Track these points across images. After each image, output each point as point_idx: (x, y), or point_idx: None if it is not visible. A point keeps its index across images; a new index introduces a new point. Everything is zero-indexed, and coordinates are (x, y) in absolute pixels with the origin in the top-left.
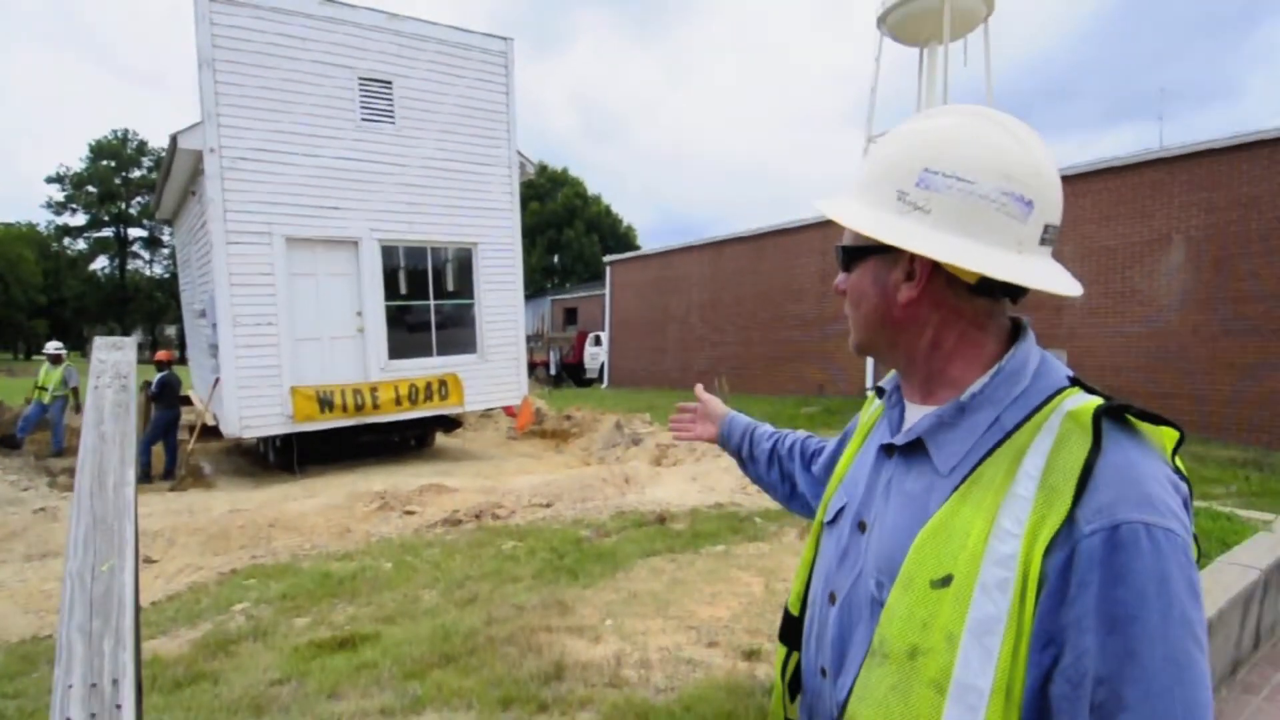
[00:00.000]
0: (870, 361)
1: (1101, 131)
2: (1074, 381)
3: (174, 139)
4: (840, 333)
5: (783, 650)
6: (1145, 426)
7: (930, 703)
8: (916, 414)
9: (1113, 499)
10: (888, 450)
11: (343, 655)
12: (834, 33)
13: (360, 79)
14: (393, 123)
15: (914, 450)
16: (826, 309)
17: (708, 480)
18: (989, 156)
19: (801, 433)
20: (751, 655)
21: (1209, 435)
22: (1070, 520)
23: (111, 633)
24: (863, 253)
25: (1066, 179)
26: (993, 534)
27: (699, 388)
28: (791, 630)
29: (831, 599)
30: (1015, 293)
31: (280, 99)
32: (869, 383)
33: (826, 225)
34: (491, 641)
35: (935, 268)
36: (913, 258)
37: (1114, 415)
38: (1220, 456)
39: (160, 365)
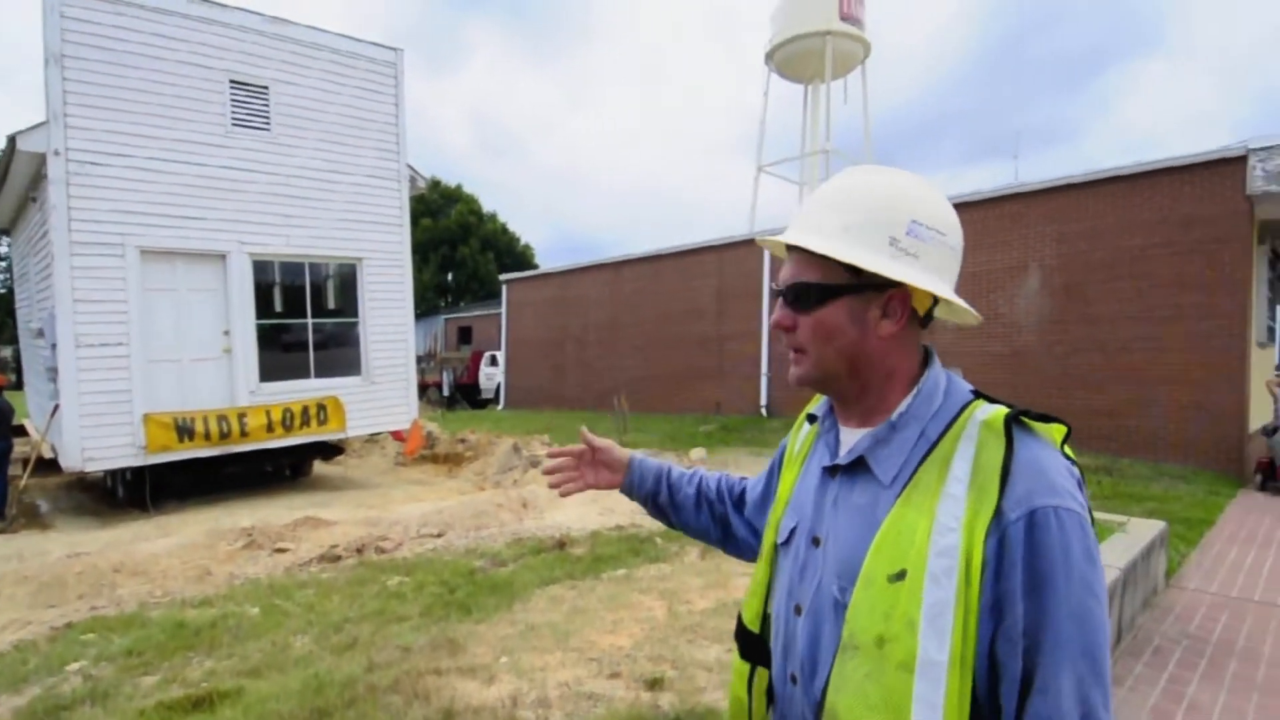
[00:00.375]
0: (764, 380)
1: (966, 168)
2: (976, 394)
3: (12, 140)
4: (737, 353)
5: (745, 667)
6: (1040, 426)
7: (902, 682)
8: (852, 437)
9: (1028, 490)
10: (831, 471)
11: (197, 717)
12: (725, 64)
13: (232, 82)
14: (268, 129)
15: (856, 468)
16: (724, 329)
17: (608, 501)
18: (947, 213)
19: (713, 472)
20: (655, 684)
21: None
22: (998, 511)
23: None
24: (838, 291)
25: None
26: (934, 530)
27: (584, 430)
28: (752, 648)
29: (797, 610)
30: (928, 322)
31: (139, 100)
32: (763, 400)
33: (722, 248)
34: (373, 690)
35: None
36: (891, 297)
37: (1018, 420)
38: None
39: None
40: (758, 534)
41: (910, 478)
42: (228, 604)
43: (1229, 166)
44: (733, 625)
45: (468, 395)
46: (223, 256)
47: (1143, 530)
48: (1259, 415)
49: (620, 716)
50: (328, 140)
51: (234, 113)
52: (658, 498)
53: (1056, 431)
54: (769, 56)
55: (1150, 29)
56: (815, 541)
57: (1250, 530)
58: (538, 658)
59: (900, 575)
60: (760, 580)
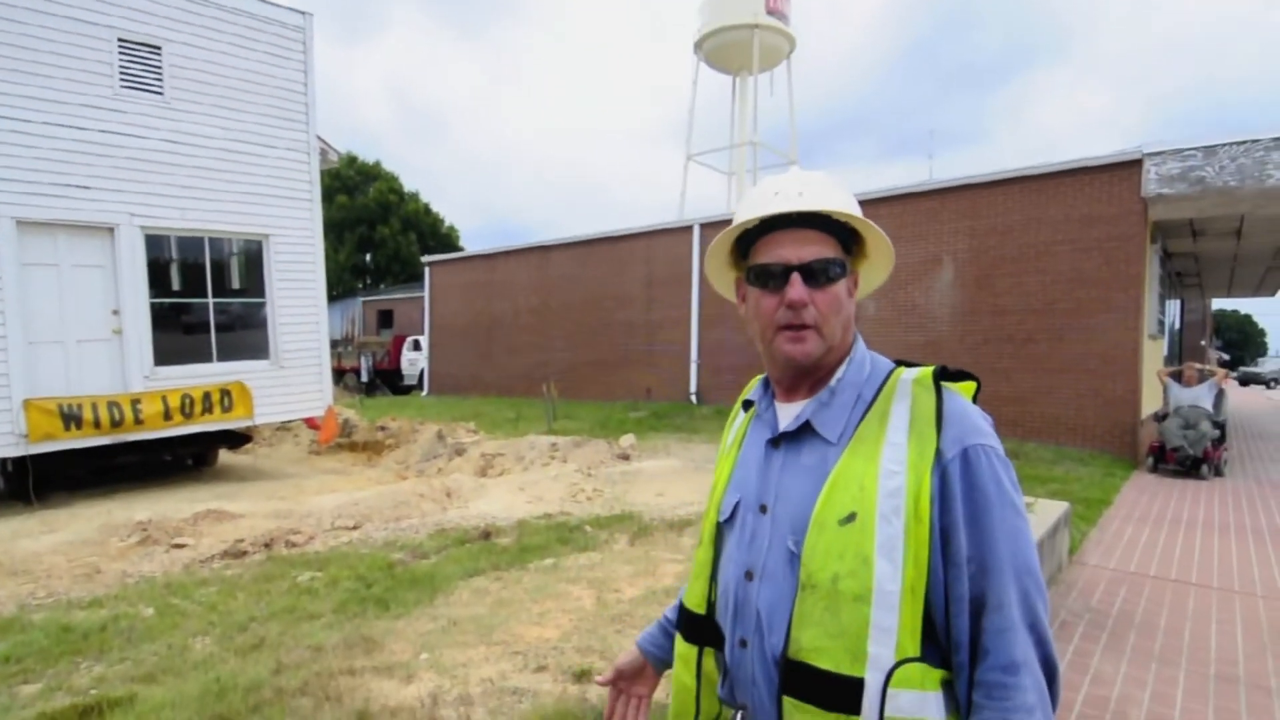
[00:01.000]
0: (694, 367)
1: (882, 165)
2: (898, 362)
3: None
4: (667, 339)
5: (692, 651)
6: (955, 385)
7: (858, 612)
8: (790, 410)
9: (959, 432)
10: (774, 443)
11: None
12: (652, 51)
13: (121, 40)
14: (161, 93)
15: (802, 434)
16: (653, 315)
17: (536, 489)
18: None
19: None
20: (582, 676)
21: None
22: (938, 451)
23: None
24: (845, 267)
25: (862, 203)
26: (880, 475)
27: (598, 679)
28: (698, 630)
29: (749, 576)
30: None
31: (15, 56)
32: (693, 386)
33: (652, 235)
34: (280, 694)
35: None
36: (853, 274)
37: (943, 376)
38: None
39: None
40: None
41: (853, 434)
42: (119, 604)
43: (1126, 170)
44: (662, 612)
45: (389, 381)
46: (111, 229)
47: (1049, 511)
48: (1150, 402)
49: (547, 711)
50: (229, 107)
51: (122, 73)
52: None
53: (969, 387)
54: (698, 46)
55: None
56: (762, 509)
57: (1144, 509)
58: (460, 653)
59: (851, 518)
60: (704, 562)
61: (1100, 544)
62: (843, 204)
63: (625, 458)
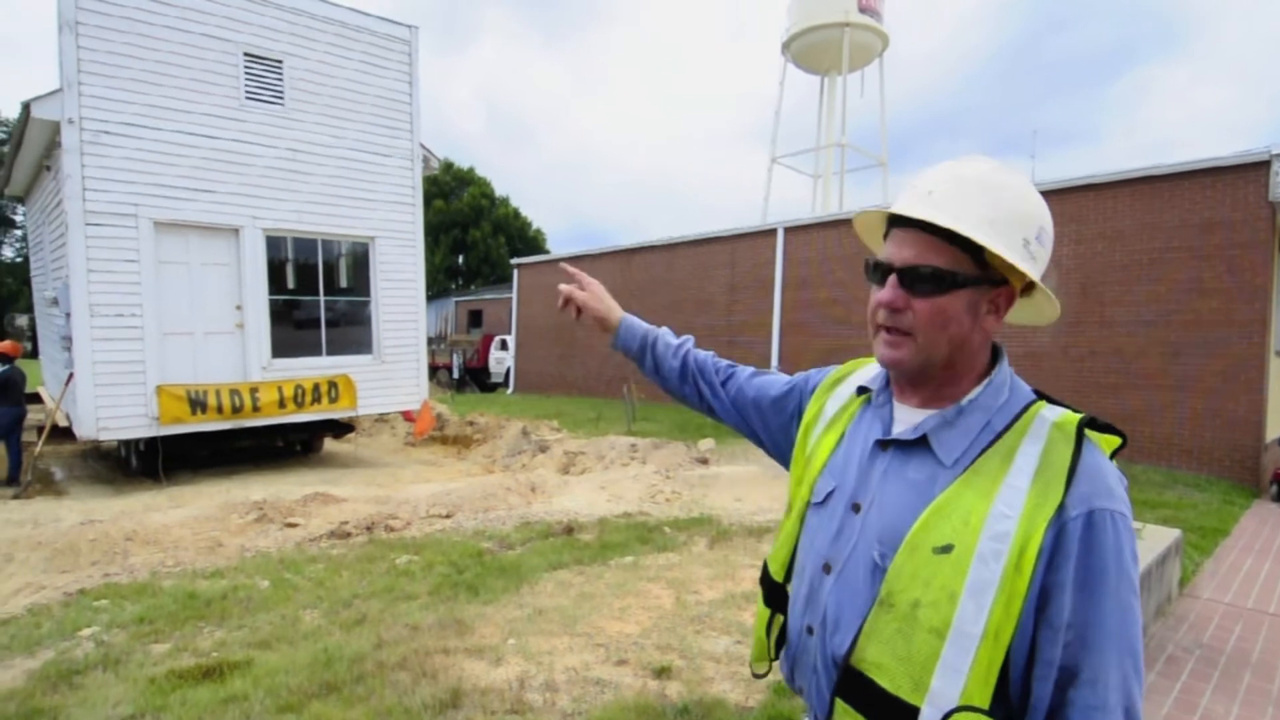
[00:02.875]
0: (775, 370)
1: None
2: (1039, 395)
3: (26, 107)
4: (748, 344)
5: (766, 612)
6: (1099, 435)
7: (930, 645)
8: (909, 414)
9: (1089, 491)
10: (883, 444)
11: (208, 686)
12: (742, 51)
13: (246, 55)
14: (282, 104)
15: (915, 445)
16: (734, 318)
17: (616, 489)
18: (1051, 228)
19: (703, 351)
20: (662, 673)
21: None
22: (1061, 506)
23: None
24: (964, 281)
25: None
26: (990, 514)
27: (565, 267)
28: (775, 596)
29: (826, 569)
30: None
31: (154, 70)
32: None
33: (736, 239)
34: (381, 667)
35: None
36: (1001, 293)
37: (1090, 425)
38: None
39: (2, 358)
40: (742, 415)
41: (972, 462)
42: (238, 576)
43: (1252, 171)
44: (741, 618)
45: (477, 378)
46: (236, 231)
47: (1158, 537)
48: (1276, 425)
49: (627, 704)
50: (341, 116)
51: (248, 86)
52: (643, 359)
53: (1111, 442)
54: (785, 46)
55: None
56: (855, 508)
57: (1265, 542)
58: (545, 641)
59: (947, 549)
60: (790, 533)
61: (1215, 576)
62: (958, 217)
63: (704, 461)
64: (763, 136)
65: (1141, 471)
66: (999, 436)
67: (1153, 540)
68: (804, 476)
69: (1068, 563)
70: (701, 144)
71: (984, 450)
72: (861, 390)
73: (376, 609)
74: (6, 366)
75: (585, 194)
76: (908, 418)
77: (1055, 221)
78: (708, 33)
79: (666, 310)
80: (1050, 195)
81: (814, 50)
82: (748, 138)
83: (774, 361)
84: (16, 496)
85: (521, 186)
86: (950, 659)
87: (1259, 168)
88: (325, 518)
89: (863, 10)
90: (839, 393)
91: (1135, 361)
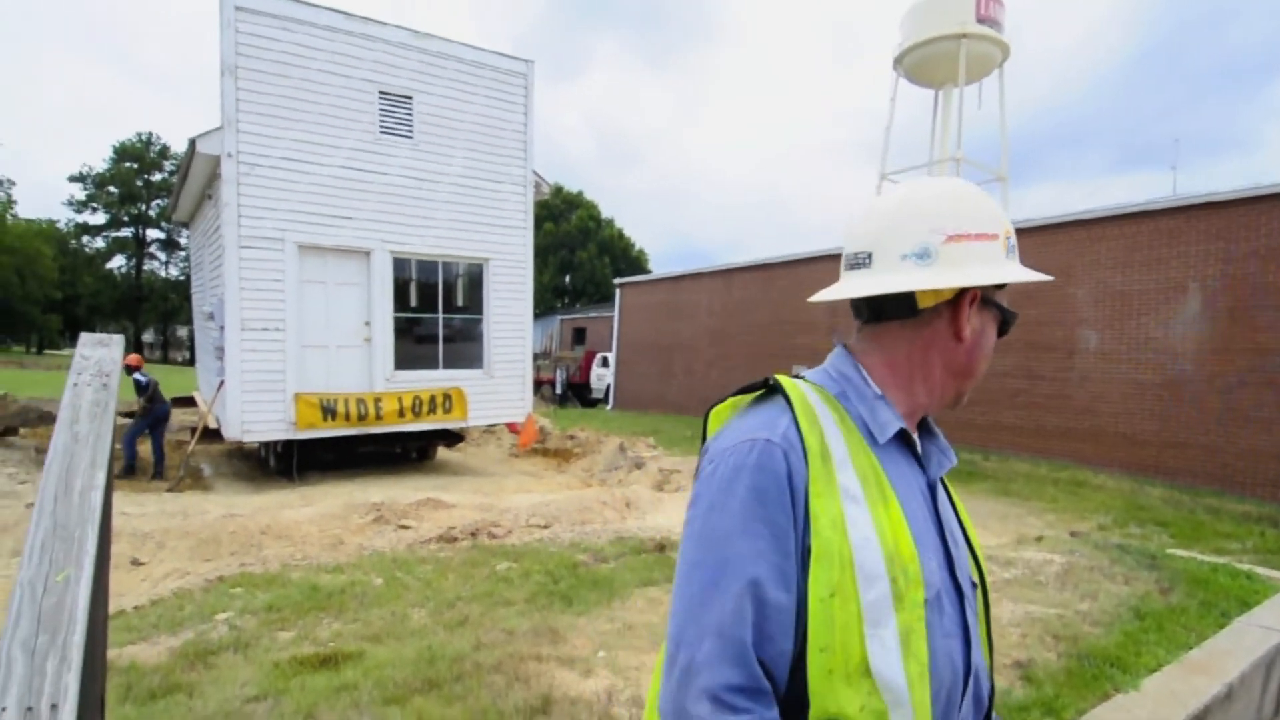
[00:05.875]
0: None
1: (1113, 178)
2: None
3: (193, 143)
4: None
5: None
6: None
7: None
8: (921, 442)
9: None
10: (931, 485)
11: (324, 674)
12: (847, 69)
13: (381, 93)
14: (411, 137)
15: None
16: (838, 341)
17: None
18: (961, 215)
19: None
20: None
21: (1224, 488)
22: None
23: (58, 650)
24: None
25: (1084, 224)
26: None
27: None
28: None
29: (968, 674)
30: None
31: (300, 108)
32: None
33: (837, 258)
34: (478, 668)
35: None
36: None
37: None
38: (1235, 511)
39: (129, 370)
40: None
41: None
42: (356, 572)
43: None
44: None
45: (579, 394)
46: (367, 253)
47: None
48: None
49: None
50: (463, 146)
51: (382, 121)
52: None
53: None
54: (898, 61)
55: None
56: (966, 587)
57: None
58: (634, 656)
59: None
60: (923, 694)
61: None
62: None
63: None
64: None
65: None
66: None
67: None
68: (899, 573)
69: None
70: (806, 162)
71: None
72: (871, 437)
73: (477, 612)
74: (145, 377)
75: (689, 214)
76: (925, 448)
77: (1198, 240)
78: (811, 50)
79: (766, 329)
80: (1193, 210)
81: (928, 64)
82: (856, 154)
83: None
84: (170, 490)
85: (627, 208)
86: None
87: None
88: (435, 521)
89: (981, 20)
90: (835, 451)
91: None
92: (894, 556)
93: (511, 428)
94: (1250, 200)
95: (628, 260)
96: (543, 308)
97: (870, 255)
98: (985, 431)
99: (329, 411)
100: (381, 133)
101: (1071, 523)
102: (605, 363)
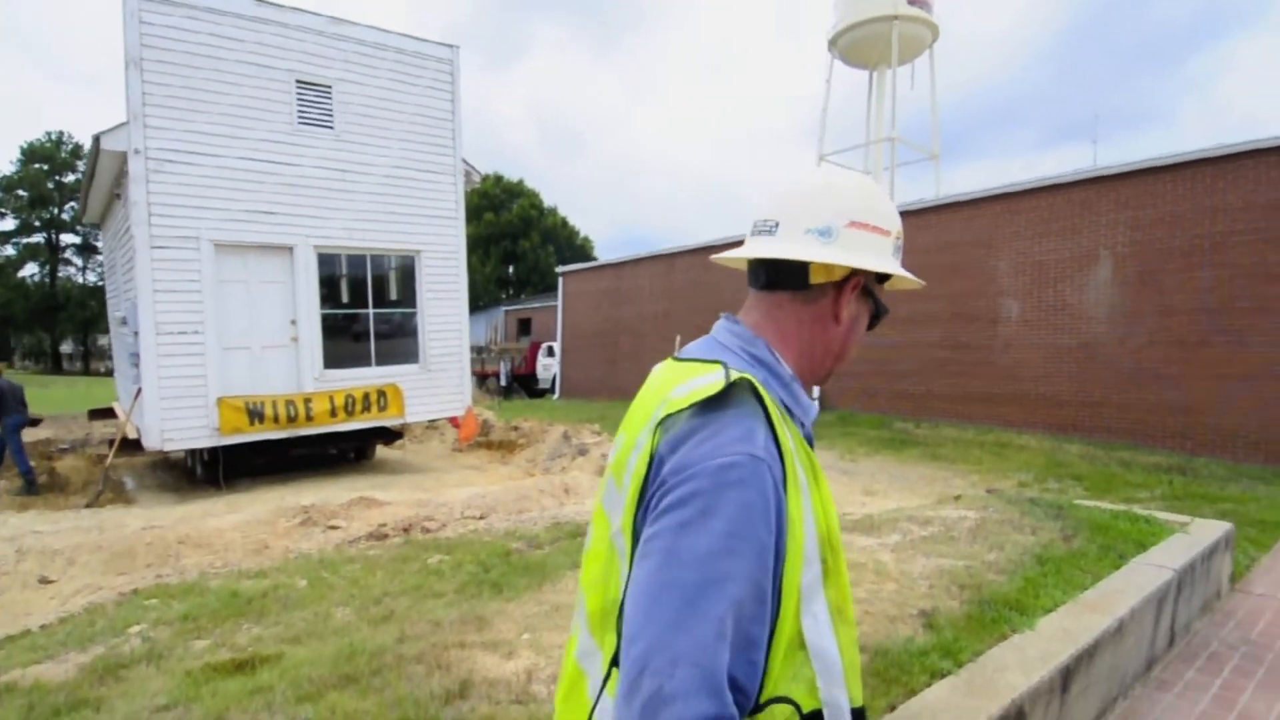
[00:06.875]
0: None
1: (1040, 154)
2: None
3: (97, 140)
4: None
5: None
6: None
7: None
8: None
9: None
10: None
11: (239, 678)
12: (786, 53)
13: (298, 82)
14: (332, 128)
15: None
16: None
17: None
18: (865, 209)
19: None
20: None
21: (1136, 442)
22: None
23: None
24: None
25: (1004, 197)
26: None
27: None
28: None
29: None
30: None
31: (211, 101)
32: (814, 392)
33: None
34: (400, 660)
35: None
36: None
37: None
38: (1146, 462)
39: None
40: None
41: None
42: (280, 576)
43: None
44: None
45: (525, 385)
46: (290, 249)
47: (1205, 531)
48: None
49: None
50: (387, 137)
51: (300, 111)
52: None
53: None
54: (832, 43)
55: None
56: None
57: None
58: (559, 636)
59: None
60: (853, 640)
61: (1272, 572)
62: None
63: None
64: (810, 135)
65: (1204, 465)
66: None
67: (1200, 534)
68: (837, 566)
69: None
70: (749, 146)
71: None
72: (790, 414)
73: (404, 606)
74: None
75: (633, 200)
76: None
77: (1108, 209)
78: (752, 33)
79: (709, 311)
80: (1104, 181)
81: (862, 45)
82: (797, 138)
83: None
84: (89, 505)
85: (572, 196)
86: None
87: None
88: (366, 520)
89: (911, 2)
90: (790, 445)
91: (1196, 351)
92: (826, 537)
93: (453, 422)
94: (1155, 170)
95: (572, 249)
96: (486, 299)
97: (777, 224)
98: (918, 400)
99: (256, 415)
100: (300, 124)
101: (994, 482)
102: (550, 352)
